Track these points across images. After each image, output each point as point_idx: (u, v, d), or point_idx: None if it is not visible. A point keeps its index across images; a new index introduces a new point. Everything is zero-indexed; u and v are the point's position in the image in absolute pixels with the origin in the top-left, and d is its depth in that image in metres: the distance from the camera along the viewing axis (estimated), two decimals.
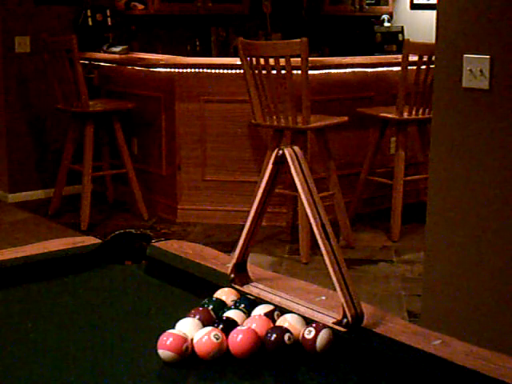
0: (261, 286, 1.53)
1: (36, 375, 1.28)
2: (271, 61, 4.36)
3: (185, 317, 1.36)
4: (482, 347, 1.27)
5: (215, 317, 1.37)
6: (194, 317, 1.36)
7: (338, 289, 1.32)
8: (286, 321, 1.35)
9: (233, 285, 1.53)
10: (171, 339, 1.27)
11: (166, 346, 1.27)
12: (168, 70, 5.22)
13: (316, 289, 1.55)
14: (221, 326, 1.33)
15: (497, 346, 1.63)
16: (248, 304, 1.42)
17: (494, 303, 2.75)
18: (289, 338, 1.30)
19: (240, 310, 1.40)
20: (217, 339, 1.28)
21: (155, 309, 1.57)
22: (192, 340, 1.29)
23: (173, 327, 1.33)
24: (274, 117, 4.45)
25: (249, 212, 1.49)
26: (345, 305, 1.32)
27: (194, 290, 1.59)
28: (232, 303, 1.44)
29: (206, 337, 1.28)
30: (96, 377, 1.28)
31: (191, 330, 1.31)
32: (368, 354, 1.30)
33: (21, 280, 1.68)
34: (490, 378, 1.17)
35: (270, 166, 1.43)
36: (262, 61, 4.39)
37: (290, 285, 1.57)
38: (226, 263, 1.65)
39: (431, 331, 1.34)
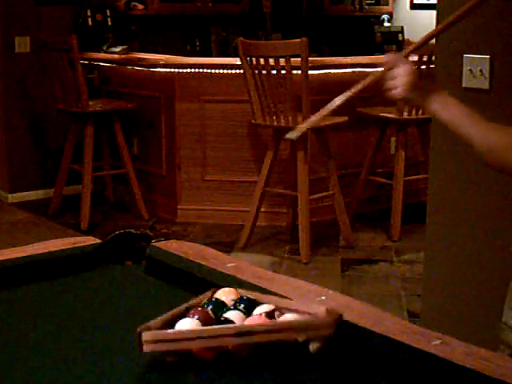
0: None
1: (36, 375, 1.28)
2: (271, 61, 4.36)
3: (184, 317, 1.36)
4: (482, 347, 1.27)
5: (214, 317, 1.37)
6: (193, 317, 1.36)
7: None
8: None
9: None
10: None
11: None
12: (168, 70, 5.22)
13: (316, 289, 1.55)
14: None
15: (497, 346, 1.63)
16: (248, 304, 1.42)
17: (494, 303, 2.75)
18: None
19: (240, 310, 1.40)
20: None
21: (155, 309, 1.57)
22: None
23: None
24: (274, 117, 4.45)
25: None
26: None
27: (194, 290, 1.59)
28: (232, 303, 1.43)
29: None
30: (96, 377, 1.28)
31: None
32: (368, 354, 1.30)
33: (21, 280, 1.68)
34: (489, 378, 1.17)
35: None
36: (261, 61, 4.39)
37: (290, 285, 1.57)
38: (226, 263, 1.65)
39: (431, 331, 1.34)
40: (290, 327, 1.29)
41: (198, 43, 6.95)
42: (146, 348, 1.27)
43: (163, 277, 1.70)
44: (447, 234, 2.87)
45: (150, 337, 1.27)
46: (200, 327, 1.29)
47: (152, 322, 1.31)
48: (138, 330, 1.28)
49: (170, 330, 1.28)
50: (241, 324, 1.30)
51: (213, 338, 1.27)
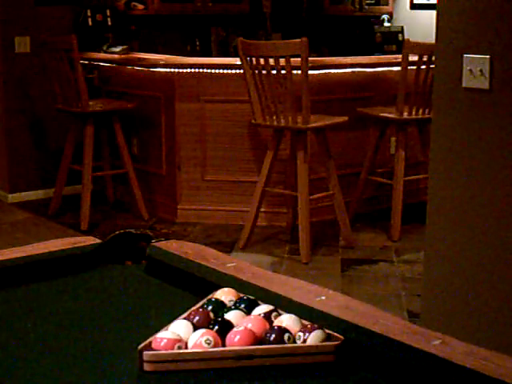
0: None
1: (36, 375, 1.28)
2: (271, 61, 4.36)
3: (178, 318, 1.36)
4: (482, 347, 1.27)
5: (214, 318, 1.37)
6: (193, 318, 1.36)
7: None
8: (283, 322, 1.35)
9: None
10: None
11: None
12: (168, 70, 5.22)
13: (316, 289, 1.55)
14: (216, 327, 1.33)
15: (497, 346, 1.63)
16: (248, 304, 1.42)
17: (494, 303, 2.75)
18: (288, 338, 1.30)
19: (240, 310, 1.40)
20: (208, 344, 1.28)
21: (155, 309, 1.57)
22: (187, 343, 1.30)
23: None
24: (274, 117, 4.45)
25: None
26: None
27: (193, 290, 1.60)
28: (231, 303, 1.44)
29: (198, 342, 1.29)
30: (96, 377, 1.28)
31: (185, 332, 1.32)
32: (368, 354, 1.30)
33: (21, 280, 1.68)
34: (489, 377, 1.17)
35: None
36: (261, 61, 4.39)
37: (290, 285, 1.57)
38: (226, 263, 1.65)
39: (431, 331, 1.34)
40: (291, 352, 1.29)
41: (198, 43, 6.95)
42: (147, 367, 1.27)
43: (163, 277, 1.70)
44: (447, 234, 2.87)
45: (151, 357, 1.27)
46: (199, 349, 1.29)
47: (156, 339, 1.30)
48: (139, 348, 1.28)
49: (171, 351, 1.28)
50: (241, 347, 1.29)
51: (214, 361, 1.27)
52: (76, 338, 1.43)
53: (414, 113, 4.82)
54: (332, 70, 5.25)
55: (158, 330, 1.32)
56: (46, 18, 5.84)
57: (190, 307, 1.41)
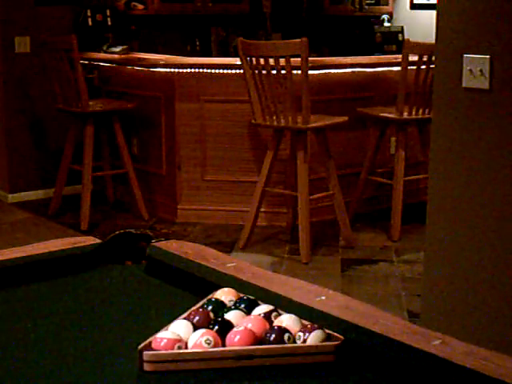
0: None
1: (36, 375, 1.28)
2: (271, 61, 4.36)
3: (178, 318, 1.36)
4: (482, 347, 1.27)
5: (214, 318, 1.37)
6: (193, 318, 1.36)
7: None
8: (283, 322, 1.35)
9: None
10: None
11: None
12: (168, 70, 5.22)
13: (316, 289, 1.55)
14: (216, 327, 1.33)
15: (497, 346, 1.64)
16: (248, 304, 1.42)
17: (494, 303, 2.76)
18: (288, 338, 1.30)
19: (240, 310, 1.40)
20: (208, 344, 1.28)
21: (155, 309, 1.57)
22: (187, 343, 1.30)
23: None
24: (274, 117, 4.45)
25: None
26: None
27: (193, 290, 1.60)
28: (231, 303, 1.44)
29: (198, 342, 1.29)
30: (96, 377, 1.28)
31: (185, 332, 1.32)
32: (368, 354, 1.30)
33: (21, 280, 1.68)
34: (489, 377, 1.17)
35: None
36: (261, 61, 4.39)
37: (290, 285, 1.57)
38: (226, 263, 1.65)
39: (431, 331, 1.34)
40: (291, 352, 1.29)
41: (198, 43, 6.95)
42: (147, 367, 1.27)
43: (163, 277, 1.70)
44: (447, 234, 2.87)
45: (151, 357, 1.27)
46: (199, 349, 1.29)
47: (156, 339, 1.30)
48: (139, 348, 1.28)
49: (171, 351, 1.28)
50: (241, 347, 1.29)
51: (214, 361, 1.27)
52: (76, 337, 1.43)
53: (414, 113, 4.82)
54: (332, 70, 5.25)
55: (157, 330, 1.32)
56: (46, 17, 5.84)
57: (190, 307, 1.41)
